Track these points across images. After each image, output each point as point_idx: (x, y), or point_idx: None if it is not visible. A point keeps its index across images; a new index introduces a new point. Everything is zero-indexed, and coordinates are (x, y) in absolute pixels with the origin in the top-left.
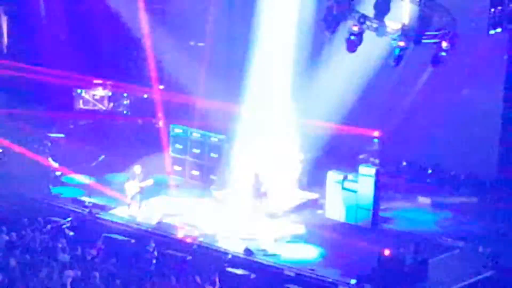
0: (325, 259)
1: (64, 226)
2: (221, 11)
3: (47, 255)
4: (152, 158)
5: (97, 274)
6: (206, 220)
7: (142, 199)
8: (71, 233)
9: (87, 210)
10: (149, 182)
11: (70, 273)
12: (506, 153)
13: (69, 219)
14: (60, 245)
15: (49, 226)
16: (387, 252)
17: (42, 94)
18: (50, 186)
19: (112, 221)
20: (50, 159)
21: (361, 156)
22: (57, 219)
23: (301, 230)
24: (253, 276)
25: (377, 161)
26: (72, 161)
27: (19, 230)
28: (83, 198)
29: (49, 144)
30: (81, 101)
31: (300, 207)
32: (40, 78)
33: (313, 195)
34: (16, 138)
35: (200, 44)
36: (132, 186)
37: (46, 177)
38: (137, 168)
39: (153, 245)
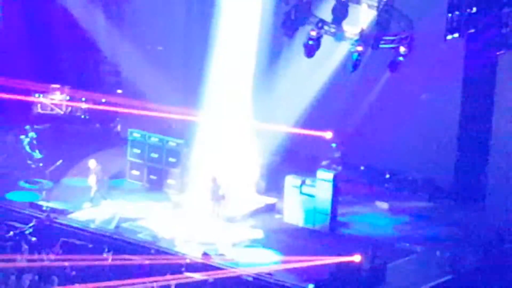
0: (283, 264)
1: (26, 231)
2: (179, 15)
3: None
4: (110, 162)
5: (55, 278)
6: (164, 225)
7: (103, 194)
8: (34, 239)
9: (45, 214)
10: (103, 175)
11: (28, 277)
12: (463, 157)
13: (31, 224)
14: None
15: (11, 233)
16: (357, 258)
17: None
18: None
19: (70, 226)
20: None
21: (323, 163)
22: (18, 224)
23: (259, 234)
24: (211, 280)
25: (339, 168)
26: (30, 165)
27: None
28: (40, 203)
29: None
30: (39, 106)
31: (258, 212)
32: None
33: (271, 200)
34: None
35: (159, 48)
36: (92, 181)
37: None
38: (91, 163)
39: (108, 250)
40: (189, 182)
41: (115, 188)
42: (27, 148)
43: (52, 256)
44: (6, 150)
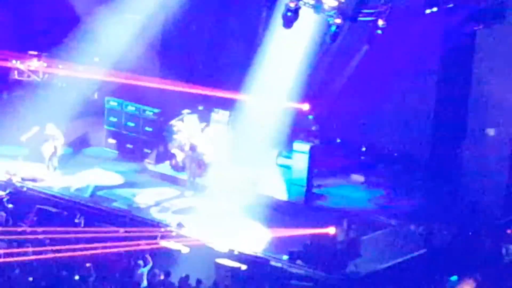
0: (257, 235)
1: (4, 199)
2: None
3: None
4: (88, 130)
5: (29, 246)
6: (140, 194)
7: (58, 161)
8: (10, 206)
9: (15, 180)
10: (61, 140)
11: (2, 245)
12: (439, 131)
13: (8, 191)
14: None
15: None
16: (332, 230)
17: None
18: None
19: (44, 193)
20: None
21: (300, 135)
22: None
23: (235, 206)
24: (185, 251)
25: (317, 141)
26: (4, 132)
27: None
28: (13, 170)
29: None
30: (16, 72)
31: (234, 183)
32: None
33: (248, 171)
34: None
35: (136, 16)
36: (46, 148)
37: None
38: (49, 128)
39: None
40: (166, 151)
41: (91, 157)
42: None
43: (26, 224)
44: None
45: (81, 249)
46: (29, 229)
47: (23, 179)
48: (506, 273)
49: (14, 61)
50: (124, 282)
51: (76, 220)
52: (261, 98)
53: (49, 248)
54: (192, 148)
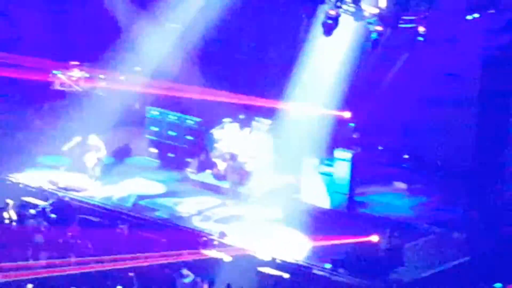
0: (300, 243)
1: (47, 209)
2: None
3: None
4: (129, 140)
5: (72, 256)
6: (182, 203)
7: (101, 171)
8: (53, 216)
9: (61, 191)
10: (103, 152)
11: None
12: (482, 138)
13: (50, 201)
14: (42, 228)
15: (33, 211)
16: (375, 238)
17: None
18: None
19: (87, 203)
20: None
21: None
22: (37, 201)
23: (277, 214)
24: (227, 260)
25: (358, 149)
26: (48, 141)
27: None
28: (56, 180)
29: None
30: (57, 83)
31: (276, 191)
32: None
33: (289, 179)
34: None
35: (176, 26)
36: (89, 158)
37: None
38: (91, 139)
39: (125, 226)
40: (207, 160)
41: (133, 166)
42: None
43: (69, 234)
44: (24, 126)
45: (123, 259)
46: (71, 240)
47: (65, 189)
48: None
49: (55, 71)
50: None
51: (119, 230)
52: (302, 106)
53: (92, 258)
54: (233, 157)
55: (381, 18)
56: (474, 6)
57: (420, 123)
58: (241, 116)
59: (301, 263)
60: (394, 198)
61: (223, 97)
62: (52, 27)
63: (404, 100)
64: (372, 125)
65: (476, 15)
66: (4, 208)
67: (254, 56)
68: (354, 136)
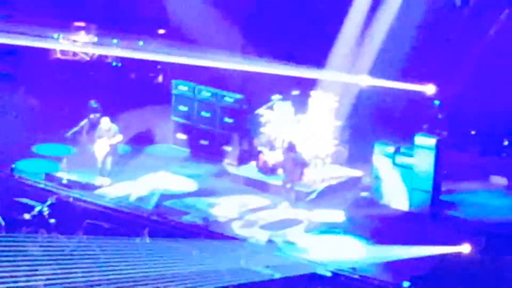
0: (369, 255)
1: (44, 212)
2: None
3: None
4: (151, 123)
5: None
6: (218, 204)
7: (115, 163)
8: (52, 221)
9: (63, 189)
10: (119, 138)
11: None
12: None
13: (48, 202)
14: (39, 238)
15: (27, 215)
16: (466, 249)
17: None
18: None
19: (96, 204)
20: None
21: (424, 127)
22: (33, 203)
23: (339, 217)
24: (277, 276)
25: (445, 133)
26: (46, 127)
27: None
28: (59, 174)
29: None
30: (58, 50)
31: (339, 188)
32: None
33: (356, 173)
34: None
35: None
36: (100, 147)
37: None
38: (104, 123)
39: (145, 234)
40: (251, 150)
41: (155, 157)
42: None
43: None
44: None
45: (143, 279)
46: (76, 252)
47: (68, 187)
48: None
49: (56, 35)
50: None
51: (137, 239)
52: (373, 79)
53: (103, 275)
54: (290, 146)
55: None
56: None
57: None
58: (295, 92)
59: (372, 281)
60: (491, 197)
61: (271, 68)
62: None
63: (503, 71)
64: (462, 103)
65: None
66: None
67: (310, 17)
68: (439, 117)
